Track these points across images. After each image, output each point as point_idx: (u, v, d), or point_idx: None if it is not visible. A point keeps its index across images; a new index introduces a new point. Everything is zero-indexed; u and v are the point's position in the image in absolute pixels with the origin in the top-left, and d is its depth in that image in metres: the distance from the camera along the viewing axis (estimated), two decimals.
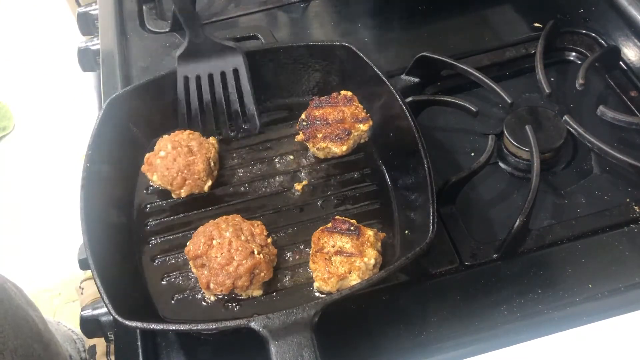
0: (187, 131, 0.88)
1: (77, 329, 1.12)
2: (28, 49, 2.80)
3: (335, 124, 0.86)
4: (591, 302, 0.73)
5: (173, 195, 0.85)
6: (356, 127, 0.86)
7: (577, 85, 0.89)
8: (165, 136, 0.87)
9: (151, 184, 0.86)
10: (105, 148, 0.84)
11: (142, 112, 0.89)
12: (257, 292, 0.76)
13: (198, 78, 0.91)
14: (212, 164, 0.86)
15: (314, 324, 0.64)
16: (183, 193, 0.84)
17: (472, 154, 0.90)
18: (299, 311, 0.64)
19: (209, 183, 0.85)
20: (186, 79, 0.91)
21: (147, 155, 0.85)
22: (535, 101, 0.94)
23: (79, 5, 2.15)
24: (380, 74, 0.85)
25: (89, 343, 1.19)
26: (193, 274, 0.77)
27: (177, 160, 0.83)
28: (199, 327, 0.70)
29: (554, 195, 0.85)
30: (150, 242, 0.82)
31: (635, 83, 0.95)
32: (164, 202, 0.86)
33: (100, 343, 1.20)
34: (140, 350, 0.74)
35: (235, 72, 0.91)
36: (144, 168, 0.85)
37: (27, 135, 2.55)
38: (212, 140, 0.89)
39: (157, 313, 0.75)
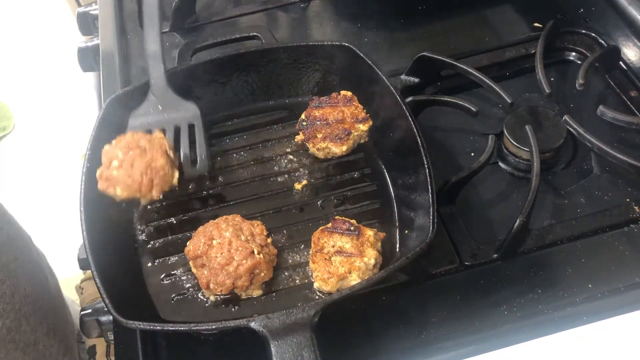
0: (129, 133, 0.81)
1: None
2: (28, 49, 2.80)
3: (335, 124, 0.86)
4: (591, 302, 0.73)
5: (143, 202, 0.80)
6: (356, 127, 0.86)
7: (577, 85, 0.89)
8: (107, 146, 0.79)
9: (116, 199, 0.78)
10: None
11: None
12: (257, 292, 0.76)
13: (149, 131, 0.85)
14: (172, 154, 0.80)
15: (314, 324, 0.64)
16: (155, 195, 0.78)
17: (472, 154, 0.90)
18: (299, 311, 0.64)
19: (177, 175, 0.80)
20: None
21: (99, 171, 0.77)
22: (535, 101, 0.94)
23: (79, 5, 2.15)
24: (380, 74, 0.85)
25: (89, 343, 1.19)
26: (193, 274, 0.77)
27: (134, 164, 0.76)
28: (199, 327, 0.70)
29: (554, 195, 0.85)
30: (150, 242, 0.82)
31: (635, 83, 0.95)
32: (165, 202, 0.85)
33: (100, 343, 1.20)
34: (140, 350, 0.74)
35: (191, 126, 0.85)
36: (100, 186, 0.77)
37: (27, 135, 2.55)
38: (157, 134, 0.81)
39: (157, 313, 0.75)
